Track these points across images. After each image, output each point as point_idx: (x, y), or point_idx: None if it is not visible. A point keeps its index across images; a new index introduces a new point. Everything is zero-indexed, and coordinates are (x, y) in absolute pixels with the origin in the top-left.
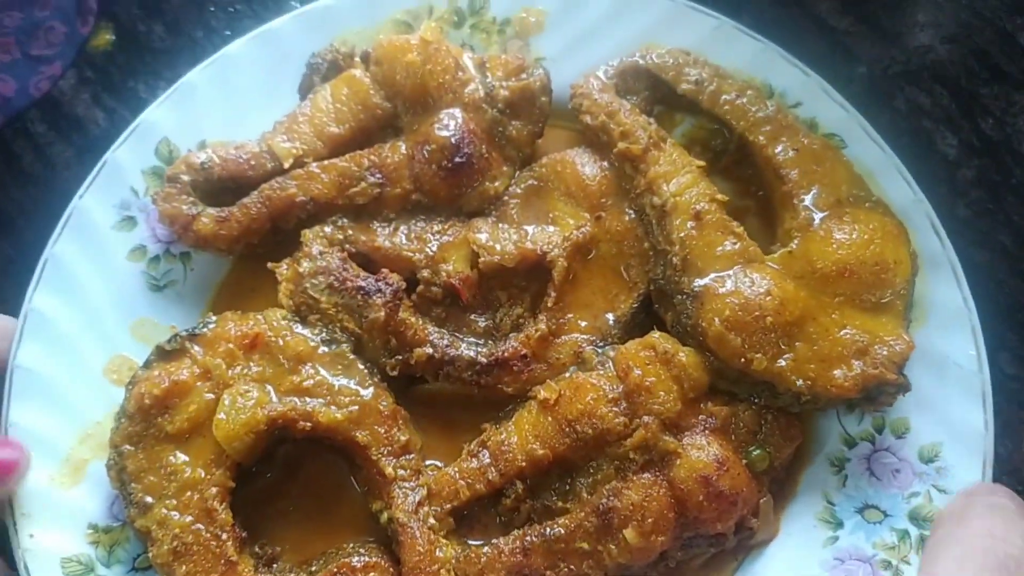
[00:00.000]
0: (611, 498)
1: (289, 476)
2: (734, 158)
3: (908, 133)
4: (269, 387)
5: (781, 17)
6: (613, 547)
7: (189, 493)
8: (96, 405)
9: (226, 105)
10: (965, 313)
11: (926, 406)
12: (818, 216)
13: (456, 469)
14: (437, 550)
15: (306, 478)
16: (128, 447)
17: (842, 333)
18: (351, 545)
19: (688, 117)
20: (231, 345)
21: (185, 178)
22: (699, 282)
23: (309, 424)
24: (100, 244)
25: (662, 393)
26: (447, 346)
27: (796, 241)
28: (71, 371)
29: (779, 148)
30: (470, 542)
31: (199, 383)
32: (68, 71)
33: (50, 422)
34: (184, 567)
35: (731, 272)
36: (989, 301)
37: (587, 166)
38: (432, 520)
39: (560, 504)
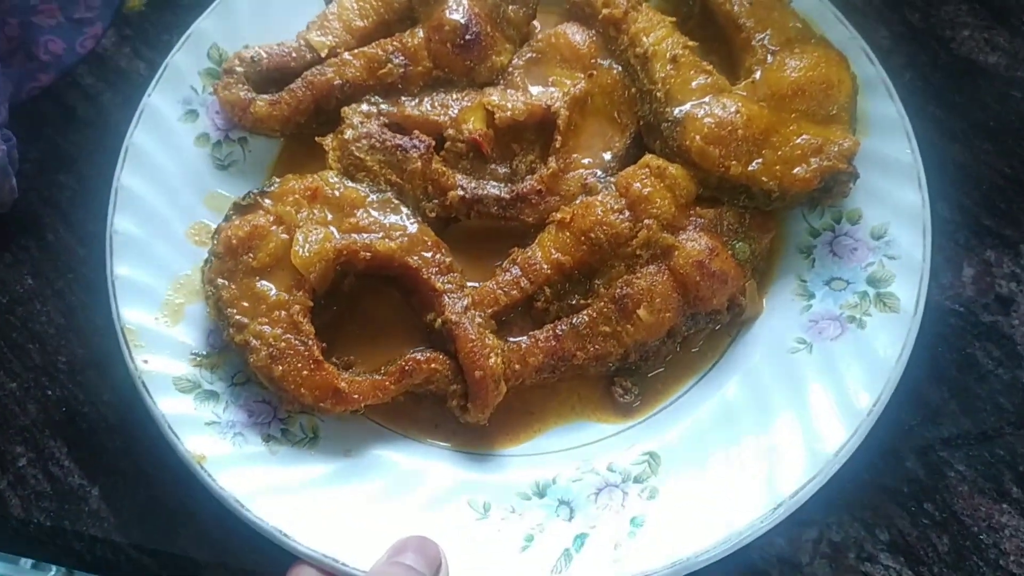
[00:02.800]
0: (624, 287)
1: (353, 308)
2: (697, 21)
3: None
4: (332, 228)
5: None
6: (630, 326)
7: (277, 312)
8: (183, 261)
9: (263, 13)
10: (899, 121)
11: (874, 195)
12: (772, 52)
13: (493, 282)
14: (486, 338)
15: (367, 308)
16: (222, 281)
17: (800, 140)
18: (412, 351)
19: None
20: (296, 196)
21: (239, 70)
22: (680, 110)
23: (369, 254)
24: (169, 133)
25: (658, 200)
26: (475, 188)
27: (757, 73)
28: (158, 234)
29: (735, 2)
30: (512, 340)
31: (274, 227)
32: (108, 30)
33: (147, 275)
34: (280, 367)
35: (706, 99)
36: (925, 160)
37: (577, 35)
38: (479, 318)
39: (582, 301)
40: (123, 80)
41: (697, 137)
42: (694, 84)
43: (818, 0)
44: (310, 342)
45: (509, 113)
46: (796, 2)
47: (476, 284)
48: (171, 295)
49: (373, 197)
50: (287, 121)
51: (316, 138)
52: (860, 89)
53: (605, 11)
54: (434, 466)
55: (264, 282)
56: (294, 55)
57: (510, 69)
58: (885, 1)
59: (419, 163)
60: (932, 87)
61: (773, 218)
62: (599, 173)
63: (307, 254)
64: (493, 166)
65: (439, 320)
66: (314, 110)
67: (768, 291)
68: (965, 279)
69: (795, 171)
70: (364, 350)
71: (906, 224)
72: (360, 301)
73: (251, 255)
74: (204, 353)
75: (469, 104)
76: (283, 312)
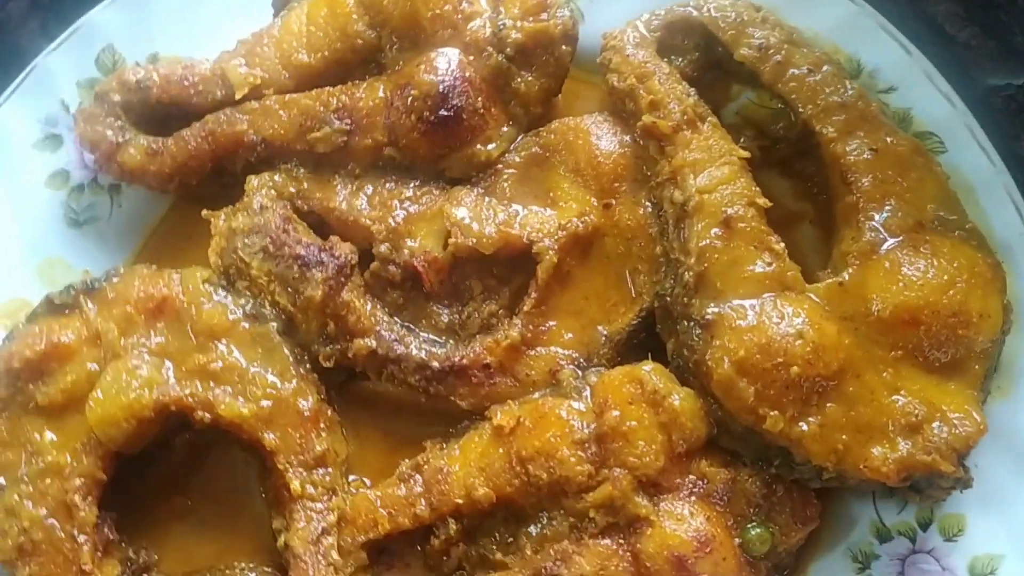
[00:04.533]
0: (558, 562)
1: (189, 469)
2: (796, 149)
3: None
4: (168, 364)
5: (884, 10)
6: None
7: (49, 480)
8: None
9: (187, 13)
10: None
11: (992, 504)
12: (888, 241)
13: (379, 494)
14: None
15: (208, 474)
16: None
17: (892, 399)
18: (241, 567)
19: (747, 90)
20: (131, 308)
21: (116, 98)
22: (713, 308)
23: (208, 416)
24: (15, 163)
25: (642, 443)
26: (395, 341)
27: (851, 269)
28: None
29: (852, 145)
30: None
31: (85, 348)
32: None
33: None
34: (27, 569)
35: (758, 301)
36: None
37: (604, 139)
38: (335, 555)
39: (499, 556)
40: (17, 61)
41: (726, 360)
42: (747, 270)
43: (990, 164)
44: (83, 538)
45: (473, 241)
46: (955, 157)
47: (365, 480)
48: None
49: (245, 325)
50: (169, 179)
51: (204, 212)
52: (1016, 325)
53: (648, 117)
54: None
55: (47, 431)
56: (200, 87)
57: (499, 164)
58: None
59: (321, 290)
60: None
61: (819, 502)
62: (580, 362)
63: (109, 408)
64: (436, 308)
65: (283, 538)
66: (211, 170)
67: None
68: None
69: (869, 451)
70: (187, 536)
71: None
72: (205, 459)
73: (39, 385)
74: None
75: (422, 210)
76: (57, 483)
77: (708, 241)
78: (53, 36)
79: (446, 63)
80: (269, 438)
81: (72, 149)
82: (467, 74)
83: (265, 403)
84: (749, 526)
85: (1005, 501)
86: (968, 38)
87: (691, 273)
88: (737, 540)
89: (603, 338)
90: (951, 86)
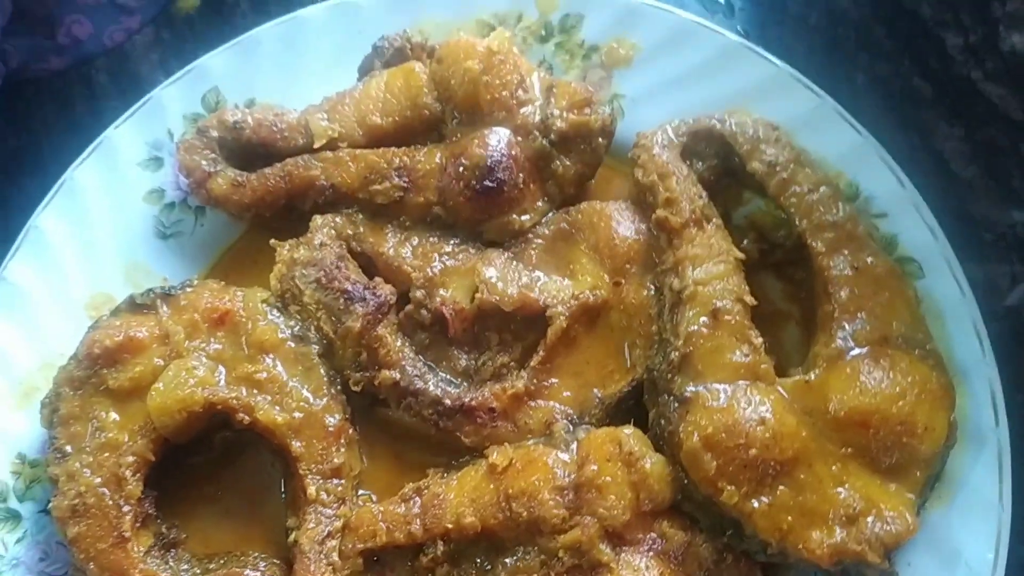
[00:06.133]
0: None
1: (224, 463)
2: (791, 256)
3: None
4: (221, 369)
5: (897, 140)
6: None
7: (107, 454)
8: (67, 337)
9: (286, 68)
10: (996, 510)
11: None
12: (854, 350)
13: (381, 510)
14: None
15: (239, 470)
16: (67, 389)
17: (837, 490)
18: (254, 555)
19: (757, 198)
20: (198, 316)
21: (214, 134)
22: (692, 387)
23: (247, 418)
24: (121, 177)
25: (612, 497)
26: (415, 376)
27: (818, 370)
28: (53, 297)
29: (836, 260)
30: None
31: (155, 345)
32: (146, 27)
33: (18, 341)
34: (76, 528)
35: (731, 386)
36: None
37: (623, 224)
38: (335, 556)
39: None
40: (135, 89)
41: (695, 435)
42: (727, 358)
43: (960, 294)
44: (127, 508)
45: (497, 299)
46: (931, 283)
47: (372, 495)
48: (32, 374)
49: (291, 344)
50: (247, 208)
51: (271, 241)
52: (961, 441)
53: (661, 212)
54: None
55: (112, 411)
56: (285, 133)
57: (530, 234)
58: None
59: (359, 324)
60: None
61: (763, 574)
62: (573, 418)
63: (166, 398)
64: (456, 352)
65: (293, 535)
66: (285, 205)
67: None
68: None
69: (809, 533)
70: (212, 522)
71: None
72: (238, 458)
73: (113, 370)
74: (31, 459)
75: (458, 265)
76: (113, 458)
77: (696, 327)
78: (169, 71)
79: (496, 140)
80: (296, 445)
81: (170, 172)
82: (514, 152)
83: (297, 414)
84: None
85: None
86: (971, 176)
87: (677, 353)
88: None
89: (597, 400)
90: (948, 217)
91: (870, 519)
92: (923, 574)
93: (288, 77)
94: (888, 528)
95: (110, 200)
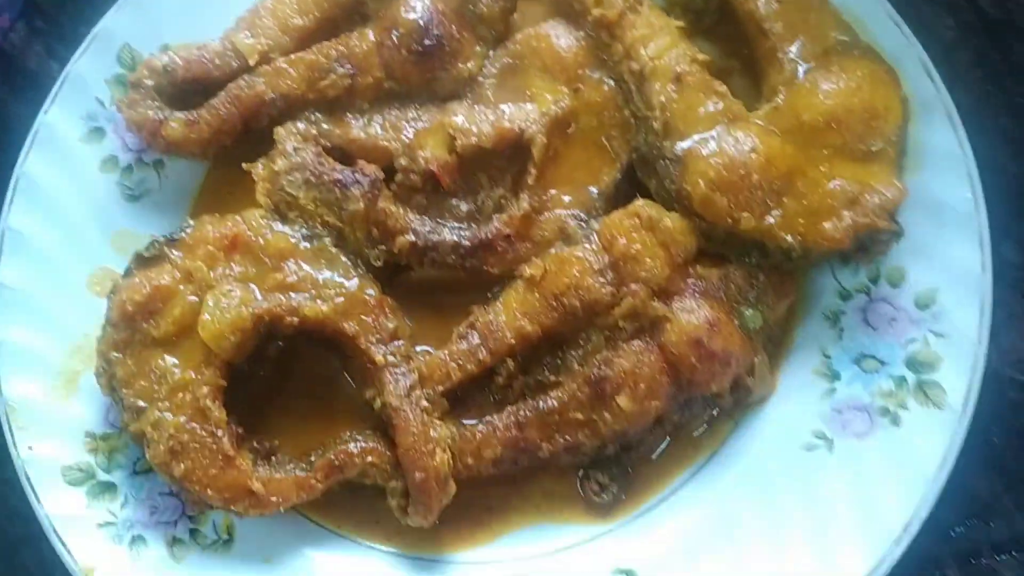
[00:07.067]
0: (602, 367)
1: (283, 373)
2: (716, 18)
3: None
4: (253, 286)
5: None
6: (607, 415)
7: (181, 394)
8: (83, 318)
9: (185, 5)
10: (960, 157)
11: (922, 252)
12: (804, 68)
13: (446, 352)
14: (431, 430)
15: (300, 374)
16: (116, 354)
17: (831, 185)
18: (348, 434)
19: None
20: (211, 247)
21: (149, 83)
22: (681, 145)
23: (296, 319)
24: (70, 157)
25: (648, 260)
26: (429, 232)
27: (782, 95)
28: (54, 286)
29: (760, 1)
30: (466, 422)
31: (182, 286)
32: (16, 23)
33: (38, 337)
34: (182, 465)
35: (714, 132)
36: (992, 188)
37: (562, 38)
38: (425, 403)
39: (552, 378)
40: (31, 85)
41: (701, 182)
42: (701, 111)
43: None
44: (220, 432)
45: (475, 139)
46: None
47: (429, 348)
48: (66, 361)
49: (305, 245)
50: (208, 144)
51: (244, 164)
52: (916, 112)
53: (596, 11)
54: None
55: (167, 357)
56: (217, 62)
57: (480, 78)
58: None
59: (362, 203)
60: (1003, 92)
61: (792, 279)
62: (581, 216)
63: (218, 325)
64: (454, 201)
65: (378, 401)
66: (242, 130)
67: (783, 367)
68: None
69: (823, 226)
70: (294, 427)
71: (960, 292)
72: (293, 364)
73: (152, 323)
74: (101, 434)
75: (427, 125)
76: (188, 395)
77: (666, 96)
78: (58, 55)
79: (420, 2)
80: (349, 326)
81: (114, 137)
82: (439, 8)
83: (339, 299)
84: (743, 309)
85: (929, 247)
86: None
87: (658, 123)
88: (736, 322)
89: (595, 195)
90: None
91: (867, 196)
92: (921, 231)
93: (189, 13)
94: (885, 196)
95: (69, 181)
